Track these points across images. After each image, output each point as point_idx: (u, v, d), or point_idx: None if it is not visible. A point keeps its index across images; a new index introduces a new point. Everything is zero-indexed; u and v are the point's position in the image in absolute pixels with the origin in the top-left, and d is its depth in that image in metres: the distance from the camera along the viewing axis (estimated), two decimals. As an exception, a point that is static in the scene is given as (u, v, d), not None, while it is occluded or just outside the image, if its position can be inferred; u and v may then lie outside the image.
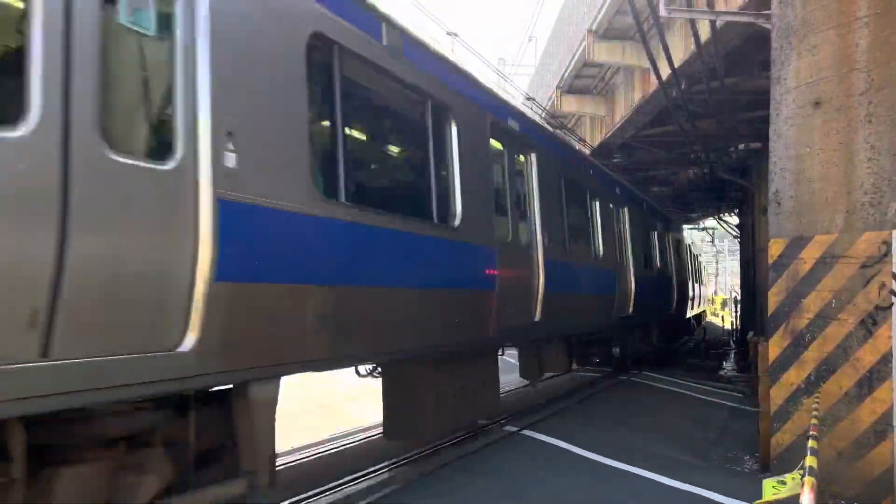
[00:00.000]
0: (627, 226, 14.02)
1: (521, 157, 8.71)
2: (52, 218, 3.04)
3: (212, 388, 4.21)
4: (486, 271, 7.25)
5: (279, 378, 4.52)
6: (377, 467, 6.86)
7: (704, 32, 10.76)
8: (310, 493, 6.06)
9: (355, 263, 5.11)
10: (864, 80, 6.68)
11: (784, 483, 4.67)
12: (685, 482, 6.72)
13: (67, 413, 3.36)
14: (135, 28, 3.62)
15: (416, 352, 6.28)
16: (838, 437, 6.67)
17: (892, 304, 6.46)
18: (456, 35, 15.00)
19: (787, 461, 6.99)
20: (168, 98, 3.74)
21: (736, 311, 29.99)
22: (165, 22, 3.75)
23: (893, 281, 6.46)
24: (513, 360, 10.67)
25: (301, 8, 4.73)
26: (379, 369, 7.09)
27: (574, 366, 13.78)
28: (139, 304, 3.47)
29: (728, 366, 20.35)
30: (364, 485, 6.42)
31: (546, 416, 9.69)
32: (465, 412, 7.48)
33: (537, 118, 12.78)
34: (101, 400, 3.41)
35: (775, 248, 7.24)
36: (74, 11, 3.18)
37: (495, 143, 7.87)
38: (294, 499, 5.91)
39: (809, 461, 3.80)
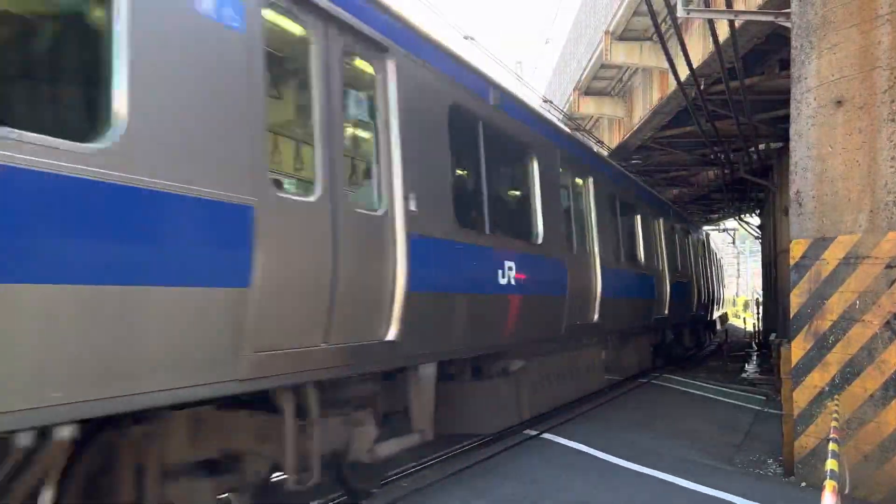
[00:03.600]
0: (663, 235, 15.56)
1: (581, 181, 10.19)
2: (328, 250, 4.61)
3: (402, 367, 5.76)
4: (560, 279, 8.71)
5: (436, 361, 6.19)
6: (399, 470, 6.86)
7: (723, 32, 10.68)
8: (331, 498, 6.09)
9: (481, 276, 6.71)
10: (887, 79, 6.59)
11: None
12: (709, 486, 6.65)
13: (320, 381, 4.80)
14: (358, 118, 5.40)
15: (517, 346, 7.90)
16: (864, 440, 6.58)
17: (917, 304, 6.37)
18: (473, 39, 15.01)
19: (810, 465, 6.90)
20: (376, 163, 5.35)
21: (758, 313, 29.69)
22: (372, 110, 5.39)
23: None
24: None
25: (445, 86, 6.32)
26: None
27: None
28: (369, 306, 5.09)
29: (750, 368, 20.12)
30: (386, 487, 6.44)
31: (566, 420, 9.65)
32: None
33: (555, 120, 12.88)
34: (349, 373, 5.02)
35: (797, 249, 7.17)
36: (334, 120, 4.80)
37: (563, 171, 9.36)
38: (320, 502, 5.96)
39: (830, 465, 3.76)
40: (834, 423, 5.56)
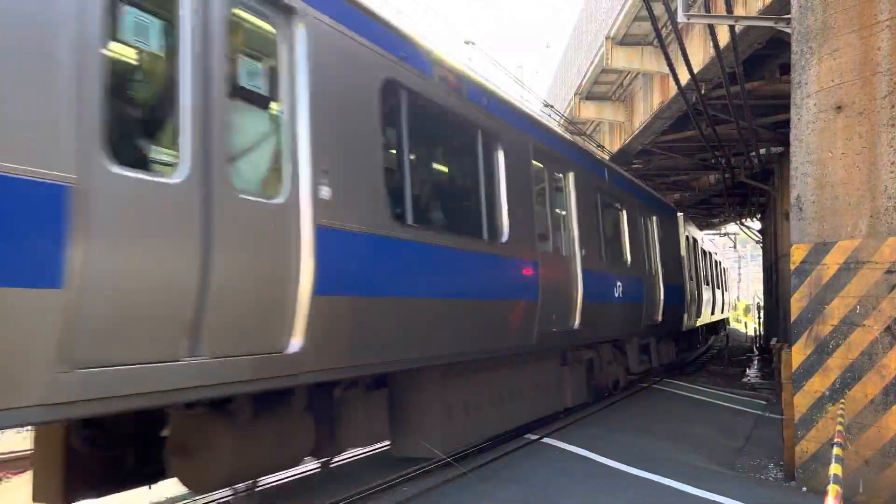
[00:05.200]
0: (692, 252, 19.29)
1: (620, 206, 12.04)
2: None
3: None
4: (640, 292, 12.94)
5: (606, 342, 11.36)
6: (400, 475, 6.87)
7: (723, 37, 10.70)
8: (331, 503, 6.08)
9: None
10: (887, 84, 6.61)
11: None
12: (710, 491, 6.65)
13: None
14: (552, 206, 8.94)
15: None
16: (865, 445, 6.58)
17: (918, 309, 6.37)
18: (473, 44, 15.05)
19: (811, 470, 6.90)
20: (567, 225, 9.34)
21: (759, 318, 29.67)
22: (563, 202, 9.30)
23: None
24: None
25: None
26: None
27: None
28: (564, 310, 8.72)
29: (752, 373, 20.10)
30: (390, 492, 6.44)
31: (567, 424, 9.65)
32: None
33: (556, 125, 12.97)
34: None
35: (798, 254, 7.18)
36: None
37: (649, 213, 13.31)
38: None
39: (834, 469, 3.75)
40: (839, 427, 5.54)
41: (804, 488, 6.94)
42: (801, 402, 7.04)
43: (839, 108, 6.91)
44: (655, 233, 14.03)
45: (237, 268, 4.04)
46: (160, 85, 4.01)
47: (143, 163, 3.82)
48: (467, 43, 15.32)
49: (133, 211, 3.50)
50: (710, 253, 24.68)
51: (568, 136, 13.01)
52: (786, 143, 12.95)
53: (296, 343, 4.44)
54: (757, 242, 33.48)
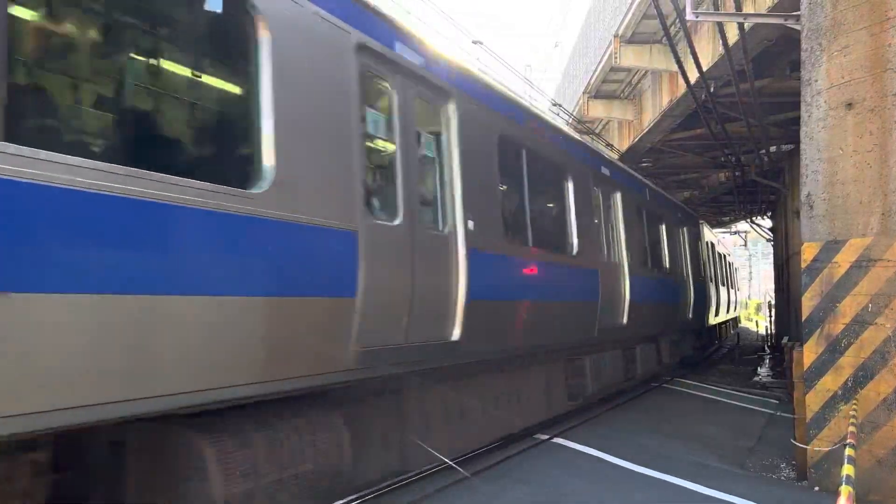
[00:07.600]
0: (722, 265, 24.48)
1: (712, 245, 19.40)
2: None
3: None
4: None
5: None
6: (412, 473, 6.87)
7: (732, 35, 10.65)
8: (342, 502, 6.09)
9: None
10: (898, 81, 6.56)
11: None
12: (721, 490, 6.63)
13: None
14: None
15: None
16: (877, 444, 6.54)
17: (931, 307, 6.32)
18: (481, 43, 15.04)
19: (823, 469, 6.86)
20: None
21: (770, 316, 29.52)
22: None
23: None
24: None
25: (698, 221, 18.89)
26: None
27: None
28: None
29: (763, 371, 20.00)
30: (395, 493, 6.45)
31: (577, 424, 9.63)
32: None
33: (563, 124, 13.05)
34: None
35: (808, 252, 7.13)
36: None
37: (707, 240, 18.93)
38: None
39: (846, 470, 3.73)
40: (851, 428, 5.51)
41: (816, 487, 6.90)
42: (813, 401, 7.00)
43: (849, 105, 6.86)
44: (721, 263, 22.93)
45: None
46: None
47: None
48: (475, 42, 15.31)
49: None
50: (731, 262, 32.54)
51: (577, 135, 13.08)
52: (796, 140, 12.88)
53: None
54: (768, 241, 33.30)
